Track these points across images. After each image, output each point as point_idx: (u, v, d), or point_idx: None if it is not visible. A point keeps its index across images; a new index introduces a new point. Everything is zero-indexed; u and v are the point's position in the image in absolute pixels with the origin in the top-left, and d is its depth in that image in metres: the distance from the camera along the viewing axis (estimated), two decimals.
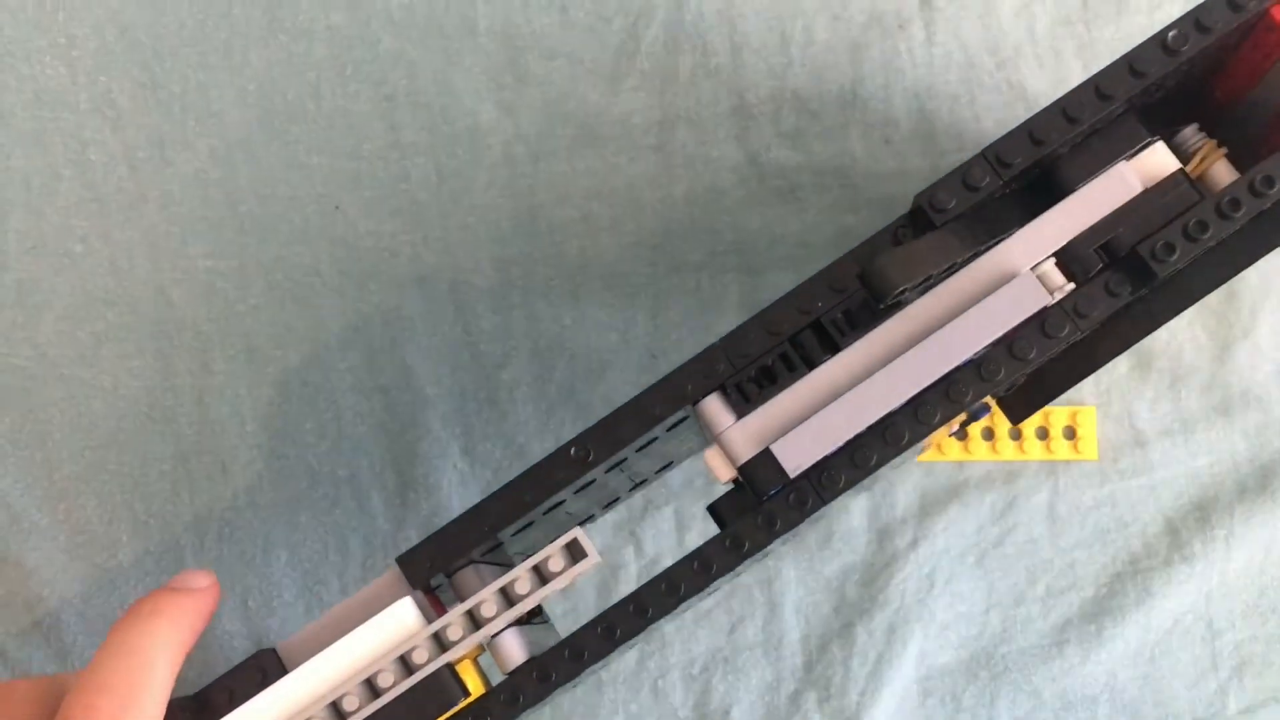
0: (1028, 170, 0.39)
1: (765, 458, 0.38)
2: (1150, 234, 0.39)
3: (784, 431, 0.38)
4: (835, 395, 0.38)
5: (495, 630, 0.38)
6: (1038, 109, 0.39)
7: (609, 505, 0.48)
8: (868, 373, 0.38)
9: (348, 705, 0.37)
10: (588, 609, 0.54)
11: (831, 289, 0.40)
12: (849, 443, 0.38)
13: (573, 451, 0.39)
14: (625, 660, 0.54)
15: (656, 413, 0.39)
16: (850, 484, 0.38)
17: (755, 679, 0.54)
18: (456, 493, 0.55)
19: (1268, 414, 0.54)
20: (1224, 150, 0.41)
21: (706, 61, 0.57)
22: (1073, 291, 0.39)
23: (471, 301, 0.56)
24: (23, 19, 0.58)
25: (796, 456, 0.37)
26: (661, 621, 0.38)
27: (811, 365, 0.39)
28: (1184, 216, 0.39)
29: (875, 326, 0.39)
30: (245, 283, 0.56)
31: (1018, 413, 0.46)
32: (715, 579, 0.38)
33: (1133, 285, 0.39)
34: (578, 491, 0.41)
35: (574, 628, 0.39)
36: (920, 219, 0.40)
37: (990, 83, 0.56)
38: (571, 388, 0.55)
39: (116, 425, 0.56)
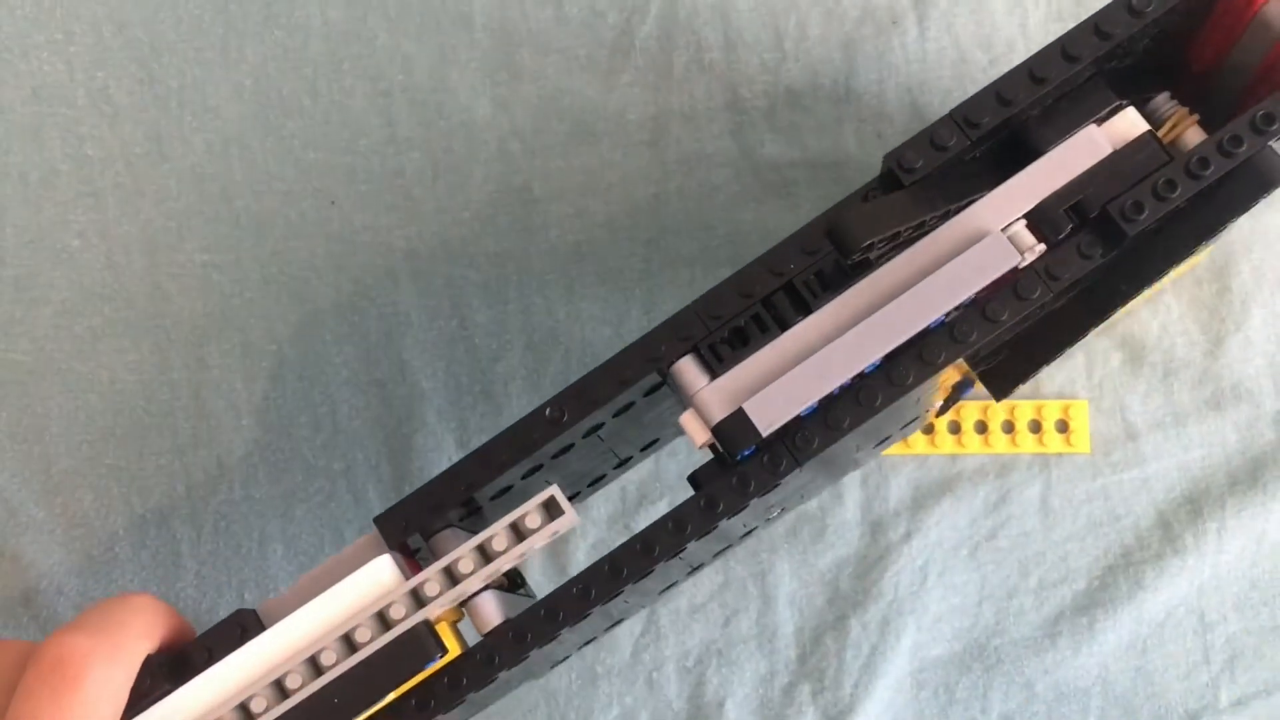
0: (996, 131, 0.39)
1: (738, 417, 0.38)
2: (1120, 194, 0.39)
3: (757, 391, 0.38)
4: (808, 355, 0.38)
5: (473, 589, 0.38)
6: None
7: (595, 483, 0.48)
8: (839, 332, 0.38)
9: (325, 660, 0.37)
10: None
11: (803, 251, 0.40)
12: (823, 405, 0.38)
13: (548, 412, 0.39)
14: (620, 653, 0.54)
15: (630, 374, 0.39)
16: (824, 445, 0.38)
17: (749, 671, 0.54)
18: None
19: (1259, 407, 0.54)
20: (1196, 117, 0.42)
21: (701, 57, 0.57)
22: (1044, 253, 0.39)
23: (466, 295, 0.56)
24: (20, 15, 0.58)
25: (769, 415, 0.37)
26: (636, 583, 0.38)
27: (784, 326, 0.39)
28: (1153, 176, 0.39)
29: (847, 288, 0.39)
30: (241, 277, 0.56)
31: (1001, 387, 0.46)
32: (689, 540, 0.38)
33: (1104, 246, 0.39)
34: (556, 457, 0.41)
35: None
36: (890, 180, 0.40)
37: (983, 78, 0.56)
38: (566, 381, 0.55)
39: (113, 419, 0.56)
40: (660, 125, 0.57)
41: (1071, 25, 0.56)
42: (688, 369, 0.39)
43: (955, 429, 0.54)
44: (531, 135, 0.57)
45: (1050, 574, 0.54)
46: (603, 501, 0.55)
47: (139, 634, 0.37)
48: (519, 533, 0.38)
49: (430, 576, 0.38)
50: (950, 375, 0.42)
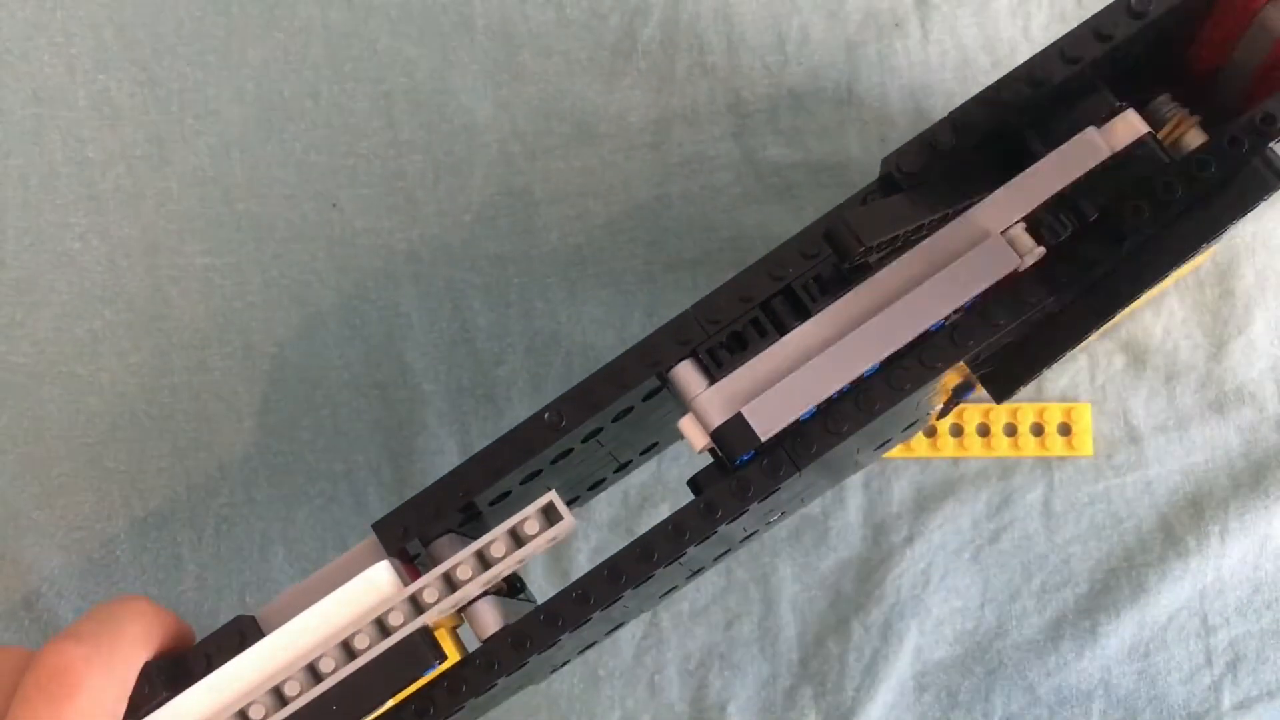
0: (995, 134, 0.39)
1: (737, 421, 0.37)
2: (1120, 197, 0.39)
3: (755, 395, 0.38)
4: (807, 359, 0.38)
5: (472, 595, 0.38)
6: None
7: (595, 487, 0.48)
8: (839, 336, 0.38)
9: (324, 667, 0.37)
10: None
11: (802, 255, 0.40)
12: (823, 409, 0.38)
13: (546, 416, 0.39)
14: (622, 656, 0.54)
15: (629, 378, 0.39)
16: (823, 450, 0.38)
17: (751, 674, 0.54)
18: None
19: (1262, 411, 0.54)
20: (1197, 118, 0.41)
21: (703, 59, 0.57)
22: (1044, 256, 0.39)
23: (468, 298, 0.56)
24: (20, 17, 0.58)
25: (768, 419, 0.37)
26: (636, 589, 0.38)
27: (783, 331, 0.39)
28: (1153, 179, 0.39)
29: (846, 292, 0.39)
30: (242, 280, 0.56)
31: (1003, 390, 0.45)
32: (688, 545, 0.38)
33: (1104, 249, 0.39)
34: (555, 462, 0.41)
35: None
36: (889, 184, 0.40)
37: (986, 81, 0.55)
38: (568, 384, 0.54)
39: (114, 422, 0.56)
40: (662, 128, 0.57)
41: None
42: (687, 373, 0.39)
43: (957, 432, 0.54)
44: (533, 137, 0.57)
45: (1053, 577, 0.54)
46: (605, 505, 0.55)
47: (136, 641, 0.37)
48: (518, 539, 0.37)
49: (429, 583, 0.37)
50: (951, 378, 0.42)
